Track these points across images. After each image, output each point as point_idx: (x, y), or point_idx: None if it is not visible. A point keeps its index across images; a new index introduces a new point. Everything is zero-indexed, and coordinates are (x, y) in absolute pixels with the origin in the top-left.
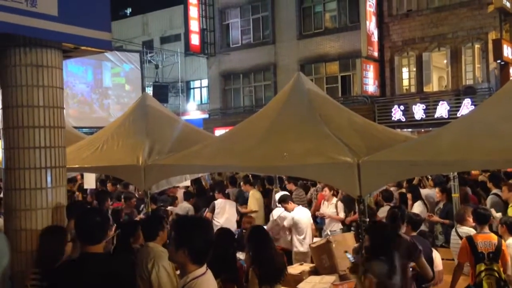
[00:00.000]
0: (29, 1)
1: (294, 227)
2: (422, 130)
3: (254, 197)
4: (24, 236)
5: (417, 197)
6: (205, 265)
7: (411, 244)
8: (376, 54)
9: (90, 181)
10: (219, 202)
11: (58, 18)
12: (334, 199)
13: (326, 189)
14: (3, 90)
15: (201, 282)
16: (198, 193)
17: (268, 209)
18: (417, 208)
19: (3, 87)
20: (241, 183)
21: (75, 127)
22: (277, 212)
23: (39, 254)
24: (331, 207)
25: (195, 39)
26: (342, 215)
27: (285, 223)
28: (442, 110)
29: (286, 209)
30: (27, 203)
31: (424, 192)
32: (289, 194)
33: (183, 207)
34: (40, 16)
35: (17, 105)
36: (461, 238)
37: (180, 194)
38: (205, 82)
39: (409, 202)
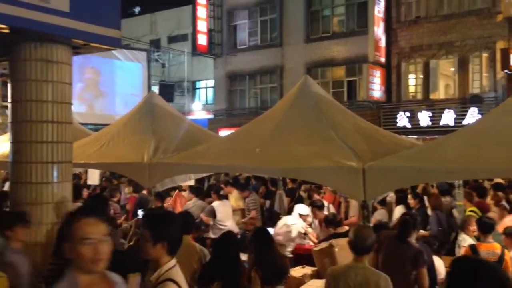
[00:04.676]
0: None
1: None
2: (428, 138)
3: (235, 199)
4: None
5: (400, 201)
6: (174, 258)
7: (419, 252)
8: (383, 59)
9: (94, 177)
10: (218, 205)
11: (69, 14)
12: (325, 203)
13: (315, 195)
14: (12, 84)
15: (176, 272)
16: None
17: (269, 211)
18: (398, 211)
19: (13, 81)
20: (222, 185)
21: (81, 124)
22: (292, 220)
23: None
24: None
25: (202, 39)
26: None
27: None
28: (448, 118)
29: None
30: (33, 197)
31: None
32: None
33: (199, 205)
34: (52, 11)
35: (26, 99)
36: (459, 246)
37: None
38: (211, 83)
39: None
